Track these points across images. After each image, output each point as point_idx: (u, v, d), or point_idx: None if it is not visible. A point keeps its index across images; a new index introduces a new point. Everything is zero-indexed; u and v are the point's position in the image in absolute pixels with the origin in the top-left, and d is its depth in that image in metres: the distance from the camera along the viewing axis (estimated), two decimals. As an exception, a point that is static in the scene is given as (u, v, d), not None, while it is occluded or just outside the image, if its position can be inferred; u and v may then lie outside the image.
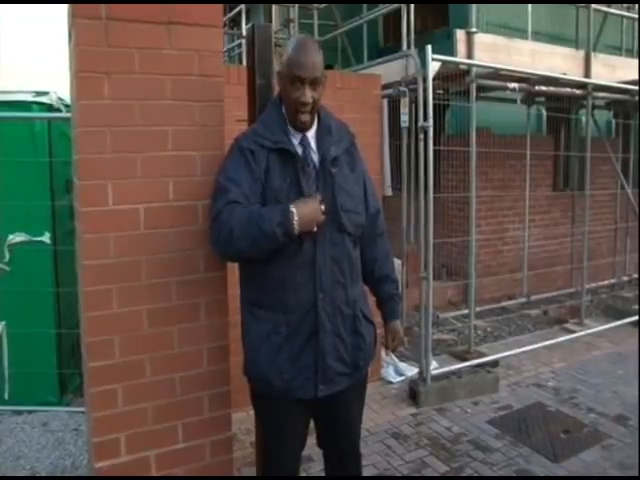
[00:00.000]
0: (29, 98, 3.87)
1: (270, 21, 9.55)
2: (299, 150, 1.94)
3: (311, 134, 1.98)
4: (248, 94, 2.12)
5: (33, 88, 3.93)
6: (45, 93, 3.92)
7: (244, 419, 3.39)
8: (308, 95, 1.87)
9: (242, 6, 8.07)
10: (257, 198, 1.86)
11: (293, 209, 1.79)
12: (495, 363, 4.72)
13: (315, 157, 1.96)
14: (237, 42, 8.79)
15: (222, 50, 2.11)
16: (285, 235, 1.79)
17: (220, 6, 2.10)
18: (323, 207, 1.85)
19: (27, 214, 3.78)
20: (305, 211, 1.81)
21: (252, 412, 2.21)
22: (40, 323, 3.84)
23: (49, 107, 3.93)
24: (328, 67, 7.31)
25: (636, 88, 6.10)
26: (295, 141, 1.95)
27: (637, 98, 6.49)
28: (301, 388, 1.96)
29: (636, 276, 7.56)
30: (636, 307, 6.25)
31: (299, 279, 1.91)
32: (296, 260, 1.90)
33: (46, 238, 3.86)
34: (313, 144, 1.97)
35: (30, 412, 3.91)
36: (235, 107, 2.50)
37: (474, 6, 5.02)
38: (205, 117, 2.09)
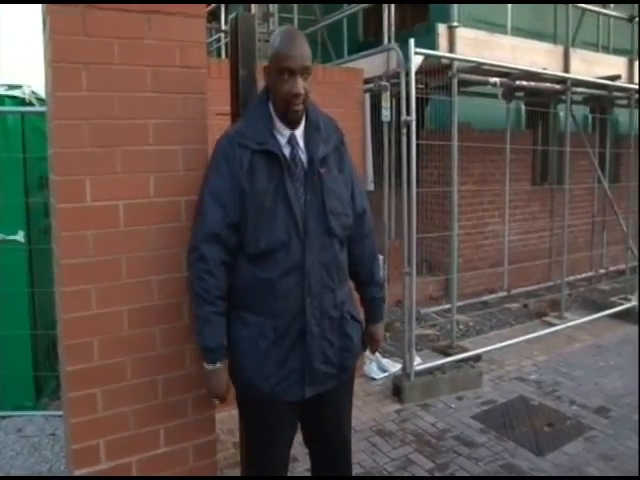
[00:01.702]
0: (1, 92, 3.75)
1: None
2: (287, 150, 1.86)
3: (299, 132, 1.90)
4: (231, 86, 2.06)
5: (5, 81, 3.81)
6: (18, 87, 3.80)
7: (226, 419, 3.34)
8: (300, 86, 1.80)
9: (221, -1, 7.98)
10: (237, 212, 1.83)
11: (210, 367, 1.90)
12: (478, 357, 4.72)
13: (304, 157, 1.88)
14: (216, 36, 8.67)
15: (205, 41, 2.04)
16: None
17: (202, -5, 2.03)
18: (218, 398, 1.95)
19: (0, 212, 3.66)
20: (210, 381, 1.92)
21: (234, 412, 2.16)
22: (14, 324, 3.72)
23: (22, 101, 3.81)
24: (308, 61, 7.28)
25: (613, 84, 6.16)
26: (282, 140, 1.87)
27: (613, 94, 6.57)
28: (288, 391, 1.92)
29: (613, 269, 7.67)
30: (614, 299, 6.35)
31: (287, 284, 1.85)
32: (284, 265, 1.84)
33: (20, 237, 3.75)
34: (301, 142, 1.89)
35: (4, 417, 3.79)
36: (216, 102, 2.43)
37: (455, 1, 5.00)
38: (188, 110, 2.02)
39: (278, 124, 1.87)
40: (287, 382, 1.90)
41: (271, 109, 1.87)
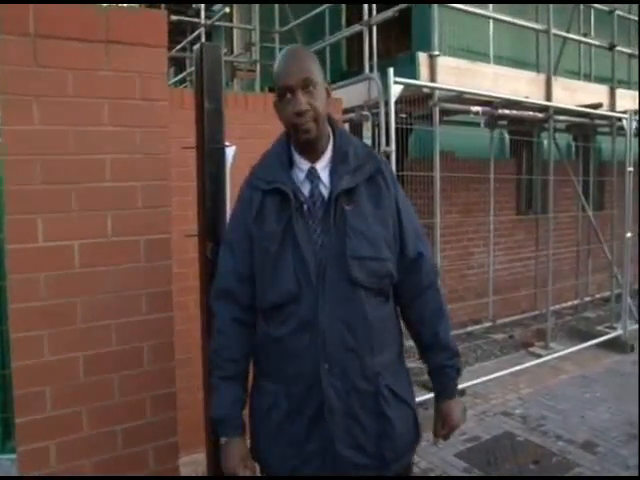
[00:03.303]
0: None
1: (231, 45, 9.49)
2: (305, 186, 1.61)
3: (322, 164, 1.63)
4: (196, 119, 1.97)
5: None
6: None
7: (200, 460, 3.19)
8: (301, 101, 1.54)
9: (202, 29, 7.95)
10: (248, 262, 1.63)
11: (222, 441, 1.66)
12: (462, 392, 4.60)
13: (325, 192, 1.61)
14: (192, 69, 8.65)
15: (166, 72, 1.95)
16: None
17: (164, 24, 1.95)
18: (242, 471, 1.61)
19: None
20: (221, 457, 1.66)
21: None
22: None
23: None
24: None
25: (595, 111, 6.18)
26: (301, 176, 1.62)
27: (596, 121, 6.59)
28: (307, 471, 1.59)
29: (598, 296, 7.64)
30: (600, 328, 6.29)
31: (296, 344, 1.56)
32: (294, 321, 1.56)
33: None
34: (325, 176, 1.62)
35: (-33, 459, 3.61)
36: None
37: (436, 30, 4.99)
38: (148, 144, 1.92)
39: (297, 158, 1.64)
40: (308, 468, 1.58)
41: (290, 145, 1.67)
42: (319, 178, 1.62)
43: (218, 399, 1.65)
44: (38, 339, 1.82)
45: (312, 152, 1.63)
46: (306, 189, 1.61)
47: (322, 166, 1.63)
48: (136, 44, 1.88)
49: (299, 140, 1.60)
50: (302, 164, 1.64)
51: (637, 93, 7.18)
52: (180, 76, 9.54)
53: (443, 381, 1.74)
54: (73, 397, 1.88)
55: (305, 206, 1.59)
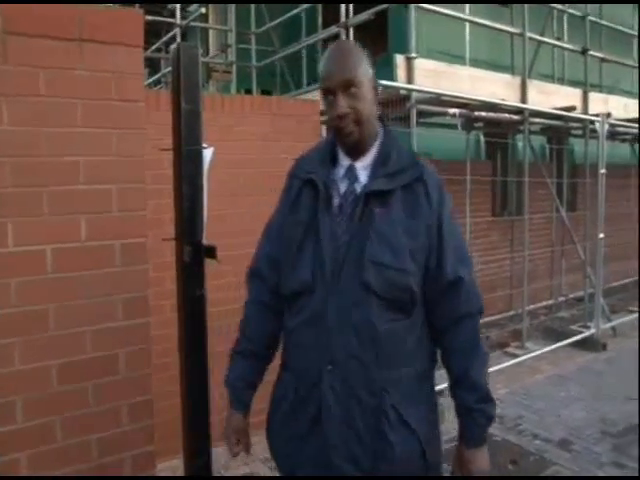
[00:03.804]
0: None
1: (207, 46, 9.41)
2: (343, 183, 1.57)
3: (363, 164, 1.58)
4: (173, 120, 1.92)
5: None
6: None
7: (178, 466, 3.14)
8: (342, 104, 1.48)
9: (177, 30, 7.86)
10: (278, 246, 1.64)
11: (231, 411, 1.70)
12: (440, 392, 4.61)
13: (360, 192, 1.57)
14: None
15: (142, 72, 1.91)
16: None
17: (141, 23, 1.90)
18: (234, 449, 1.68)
19: None
20: (225, 422, 1.70)
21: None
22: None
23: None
24: (265, 93, 7.20)
25: (568, 114, 6.27)
26: (341, 172, 1.58)
27: (569, 124, 6.68)
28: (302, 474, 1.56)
29: (572, 296, 7.74)
30: (573, 327, 6.38)
31: (304, 337, 1.53)
32: (306, 312, 1.53)
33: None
34: (364, 176, 1.56)
35: None
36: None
37: (413, 32, 5.00)
38: (124, 146, 1.88)
39: (341, 155, 1.60)
40: (303, 471, 1.54)
41: (336, 141, 1.63)
42: (356, 177, 1.57)
43: (228, 370, 1.70)
44: (8, 347, 1.77)
45: (355, 151, 1.59)
46: (343, 186, 1.57)
47: (363, 165, 1.58)
48: (112, 43, 1.84)
49: (342, 142, 1.57)
50: (344, 161, 1.60)
51: (608, 97, 7.33)
52: (155, 77, 9.43)
53: (469, 425, 1.56)
54: (46, 407, 1.83)
55: (336, 201, 1.55)
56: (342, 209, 1.54)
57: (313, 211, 1.56)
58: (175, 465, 3.19)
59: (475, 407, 1.52)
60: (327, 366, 1.48)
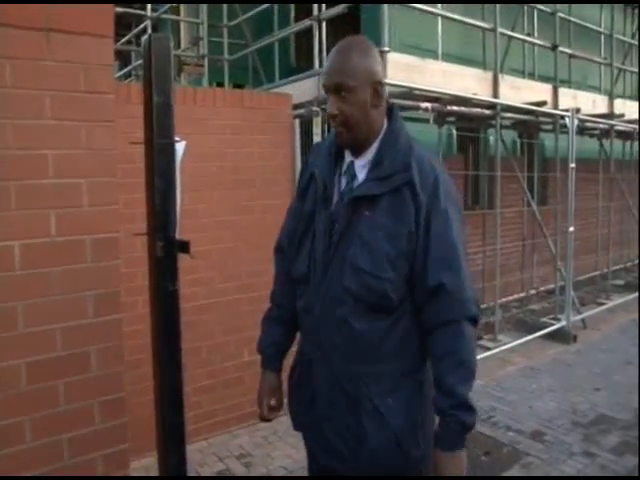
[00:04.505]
0: None
1: (178, 39, 9.28)
2: (344, 179, 1.62)
3: (362, 162, 1.61)
4: (145, 113, 1.88)
5: None
6: None
7: (151, 464, 3.11)
8: (332, 106, 1.54)
9: (148, 22, 7.74)
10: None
11: (265, 373, 1.81)
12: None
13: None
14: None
15: (112, 64, 1.86)
16: None
17: (111, 13, 1.86)
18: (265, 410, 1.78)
19: None
20: (260, 385, 1.81)
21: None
22: None
23: None
24: (238, 86, 7.13)
25: (539, 109, 6.35)
26: (344, 167, 1.63)
27: (540, 119, 6.77)
28: (309, 442, 1.78)
29: (543, 289, 7.87)
30: (544, 320, 6.48)
31: (305, 321, 1.69)
32: (303, 298, 1.67)
33: None
34: (362, 174, 1.59)
35: None
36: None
37: (386, 26, 5.00)
38: (93, 139, 1.84)
39: (346, 150, 1.65)
40: (309, 434, 1.75)
41: None
42: (354, 174, 1.60)
43: (260, 336, 1.84)
44: (-25, 346, 1.72)
45: (353, 148, 1.62)
46: (344, 182, 1.62)
47: (362, 164, 1.61)
48: (81, 33, 1.79)
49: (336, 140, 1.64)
50: (347, 157, 1.64)
51: (577, 93, 7.44)
52: (125, 70, 9.28)
53: (443, 429, 1.52)
54: (14, 406, 1.78)
55: (335, 199, 1.61)
56: (338, 207, 1.60)
57: (315, 205, 1.65)
58: (149, 463, 3.16)
59: (448, 412, 1.50)
60: (317, 352, 1.62)
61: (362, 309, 1.54)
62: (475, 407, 1.52)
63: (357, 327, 1.54)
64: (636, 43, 9.00)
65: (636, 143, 8.79)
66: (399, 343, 1.58)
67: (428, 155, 1.63)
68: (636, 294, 7.53)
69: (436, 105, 5.24)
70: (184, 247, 1.84)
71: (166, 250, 1.80)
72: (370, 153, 1.60)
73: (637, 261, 8.89)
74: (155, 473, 3.15)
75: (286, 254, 1.77)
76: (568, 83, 7.72)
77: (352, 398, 1.57)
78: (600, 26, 8.32)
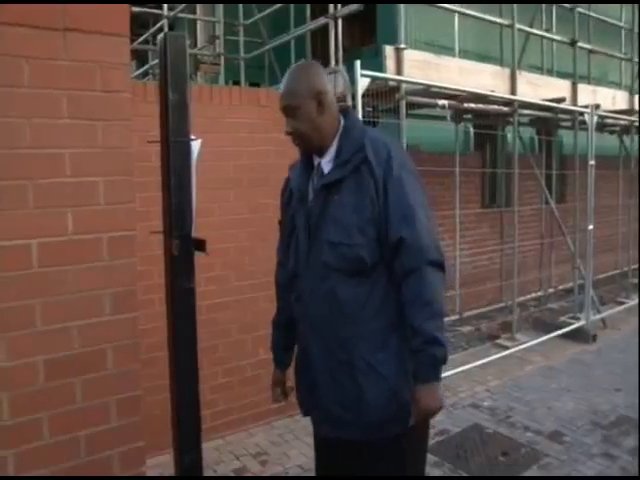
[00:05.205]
0: None
1: (195, 37, 9.32)
2: (316, 180, 1.87)
3: (327, 159, 1.86)
4: (160, 111, 1.89)
5: None
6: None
7: (166, 462, 3.12)
8: (287, 125, 1.84)
9: (165, 21, 7.77)
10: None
11: (274, 369, 2.15)
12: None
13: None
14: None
15: (128, 63, 1.87)
16: None
17: (126, 12, 1.86)
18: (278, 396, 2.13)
19: None
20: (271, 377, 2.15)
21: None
22: None
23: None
24: (254, 85, 7.14)
25: (558, 106, 6.27)
26: (315, 170, 1.90)
27: (558, 116, 6.69)
28: (315, 422, 1.97)
29: (561, 287, 7.78)
30: (563, 319, 6.41)
31: (296, 312, 1.94)
32: (295, 291, 1.93)
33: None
34: (327, 168, 1.85)
35: None
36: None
37: (402, 23, 4.97)
38: (110, 138, 1.84)
39: (314, 155, 1.91)
40: (314, 413, 1.95)
41: None
42: (322, 171, 1.85)
43: (271, 337, 2.15)
44: (-6, 344, 1.73)
45: (317, 152, 1.88)
46: (316, 180, 1.86)
47: (327, 160, 1.85)
48: (96, 32, 1.79)
49: None
50: (315, 160, 1.89)
51: (597, 89, 7.34)
52: (142, 69, 9.33)
53: (416, 364, 1.72)
54: (32, 404, 1.79)
55: (311, 195, 1.85)
56: (312, 201, 1.85)
57: (293, 210, 1.92)
58: (165, 461, 3.16)
59: (419, 348, 1.69)
60: (310, 331, 1.86)
61: (345, 277, 1.77)
62: (445, 342, 1.71)
63: (341, 296, 1.78)
64: (657, 38, 8.85)
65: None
66: (381, 302, 1.79)
67: (382, 137, 1.85)
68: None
69: (453, 102, 5.21)
70: (200, 245, 1.84)
71: (182, 248, 1.81)
72: (332, 150, 1.84)
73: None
74: (170, 470, 3.17)
75: (284, 265, 2.01)
76: (587, 79, 7.62)
77: (345, 362, 1.79)
78: (621, 21, 8.20)
